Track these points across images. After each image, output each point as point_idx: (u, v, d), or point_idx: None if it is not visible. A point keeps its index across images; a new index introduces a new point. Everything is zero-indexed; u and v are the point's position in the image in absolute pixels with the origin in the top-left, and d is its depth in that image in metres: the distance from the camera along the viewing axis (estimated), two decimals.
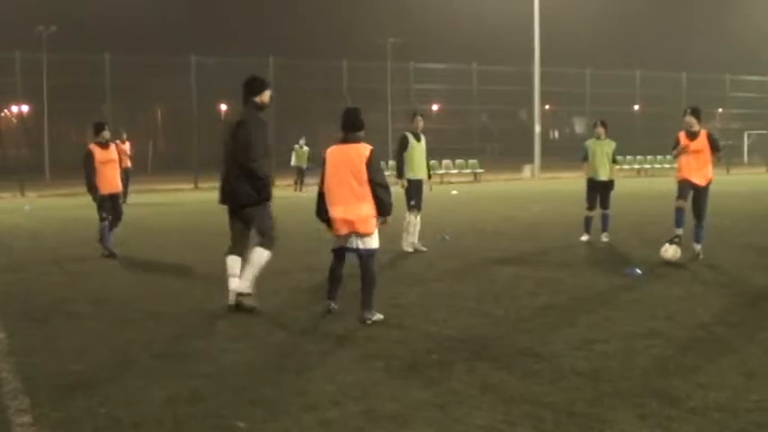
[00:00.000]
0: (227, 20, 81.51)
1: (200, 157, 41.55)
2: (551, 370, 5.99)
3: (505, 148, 58.53)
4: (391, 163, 40.75)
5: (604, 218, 13.90)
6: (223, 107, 70.21)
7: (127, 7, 71.25)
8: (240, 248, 8.50)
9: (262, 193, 8.33)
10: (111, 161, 13.22)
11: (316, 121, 57.72)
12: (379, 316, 7.73)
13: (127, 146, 26.27)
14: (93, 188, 13.03)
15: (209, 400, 5.43)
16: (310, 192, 29.41)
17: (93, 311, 8.56)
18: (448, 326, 7.57)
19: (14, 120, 53.34)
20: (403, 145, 12.71)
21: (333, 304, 7.95)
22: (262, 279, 10.40)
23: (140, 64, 43.32)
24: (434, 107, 51.61)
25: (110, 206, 13.20)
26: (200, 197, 30.49)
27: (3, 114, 59.35)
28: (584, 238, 13.76)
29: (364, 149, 7.64)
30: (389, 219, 7.85)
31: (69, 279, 10.88)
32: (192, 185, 37.79)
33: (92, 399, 5.51)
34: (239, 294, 8.31)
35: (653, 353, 6.46)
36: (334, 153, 7.74)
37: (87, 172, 13.01)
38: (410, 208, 12.73)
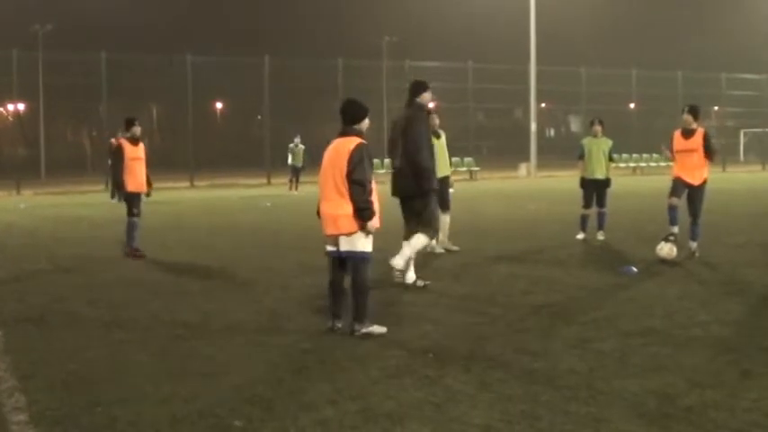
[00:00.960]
0: (224, 19, 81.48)
1: (195, 156, 41.56)
2: (548, 369, 5.99)
3: (501, 147, 58.44)
4: (387, 161, 40.95)
5: (601, 216, 13.89)
6: (219, 105, 70.29)
7: (123, 6, 71.21)
8: (411, 234, 9.41)
9: (425, 185, 9.24)
10: (139, 159, 12.74)
11: (311, 120, 57.70)
12: (373, 329, 7.13)
13: None
14: (121, 185, 12.61)
15: (206, 399, 5.42)
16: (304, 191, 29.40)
17: (89, 310, 8.55)
18: (444, 324, 7.57)
19: (10, 118, 53.26)
20: None
21: (337, 323, 7.28)
22: (255, 279, 10.41)
23: (136, 63, 43.21)
24: (430, 105, 51.58)
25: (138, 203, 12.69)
26: (195, 195, 30.50)
27: None
28: (581, 236, 13.76)
29: (351, 143, 7.11)
30: (371, 227, 7.07)
31: (65, 277, 10.87)
32: (187, 184, 37.76)
33: (88, 397, 5.51)
34: (398, 271, 9.33)
35: (649, 351, 6.47)
36: (330, 147, 7.33)
37: (116, 167, 12.58)
38: None
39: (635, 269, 10.35)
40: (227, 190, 34.31)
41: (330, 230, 7.19)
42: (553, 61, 49.40)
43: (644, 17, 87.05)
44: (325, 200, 7.24)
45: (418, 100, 9.49)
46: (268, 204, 24.00)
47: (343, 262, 7.29)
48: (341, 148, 7.15)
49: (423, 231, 9.26)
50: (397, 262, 9.12)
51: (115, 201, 26.00)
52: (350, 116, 7.35)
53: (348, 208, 7.05)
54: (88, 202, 27.49)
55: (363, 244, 7.14)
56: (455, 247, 12.64)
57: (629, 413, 5.01)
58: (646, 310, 8.05)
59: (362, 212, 7.03)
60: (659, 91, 54.19)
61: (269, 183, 38.49)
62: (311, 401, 5.34)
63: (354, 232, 7.09)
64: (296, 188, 30.30)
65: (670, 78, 53.94)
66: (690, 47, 74.18)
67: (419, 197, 9.30)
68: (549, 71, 48.45)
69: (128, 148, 12.64)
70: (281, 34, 71.08)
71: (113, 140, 27.47)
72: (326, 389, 5.59)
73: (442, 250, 12.45)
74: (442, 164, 12.63)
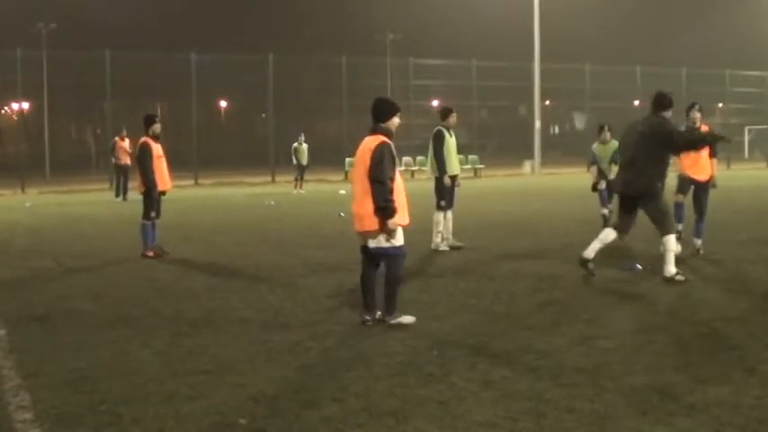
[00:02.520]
0: (227, 17, 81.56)
1: (200, 154, 41.55)
2: (552, 366, 5.99)
3: (505, 144, 58.47)
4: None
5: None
6: (223, 104, 70.33)
7: (127, 4, 71.27)
8: (624, 230, 9.91)
9: (654, 184, 9.52)
10: (162, 157, 12.55)
11: (315, 118, 57.69)
12: (403, 319, 7.36)
13: (126, 143, 26.29)
14: (154, 185, 12.31)
15: (210, 397, 5.43)
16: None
17: (93, 308, 8.57)
18: (448, 322, 7.58)
19: (15, 117, 53.34)
20: (440, 140, 12.35)
21: (367, 317, 7.44)
22: (259, 277, 10.43)
23: (141, 61, 43.19)
24: (434, 103, 51.51)
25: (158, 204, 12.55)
26: (200, 194, 30.49)
27: (3, 111, 59.36)
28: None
29: (373, 142, 7.24)
30: (393, 224, 7.16)
31: (69, 276, 10.89)
32: (192, 182, 37.77)
33: (92, 395, 5.52)
34: (586, 259, 9.70)
35: (653, 348, 6.46)
36: (360, 145, 7.44)
37: (146, 167, 12.28)
38: (440, 207, 12.41)
39: (639, 266, 10.33)
40: (231, 188, 34.31)
41: (356, 227, 7.41)
42: (557, 59, 49.31)
43: (647, 14, 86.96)
44: (354, 197, 7.41)
45: (663, 113, 10.12)
46: (272, 203, 24.00)
47: (373, 257, 7.43)
48: (366, 147, 7.30)
49: (662, 233, 9.55)
50: (669, 269, 9.42)
51: (120, 200, 26.09)
52: (376, 114, 7.47)
53: (371, 206, 7.18)
54: (93, 200, 27.52)
55: (390, 240, 7.27)
56: (460, 244, 12.64)
57: (634, 410, 5.01)
58: (650, 307, 8.05)
59: (383, 210, 7.14)
60: (663, 88, 53.94)
61: (273, 181, 38.48)
62: (315, 399, 5.34)
63: (378, 230, 7.22)
64: (301, 187, 30.26)
65: (674, 75, 53.75)
66: (693, 44, 74.07)
67: (647, 197, 9.60)
68: (552, 68, 48.37)
69: (153, 147, 12.42)
70: (284, 32, 71.22)
71: (117, 138, 27.51)
72: (331, 386, 5.59)
73: (447, 248, 12.45)
74: (455, 162, 12.63)
